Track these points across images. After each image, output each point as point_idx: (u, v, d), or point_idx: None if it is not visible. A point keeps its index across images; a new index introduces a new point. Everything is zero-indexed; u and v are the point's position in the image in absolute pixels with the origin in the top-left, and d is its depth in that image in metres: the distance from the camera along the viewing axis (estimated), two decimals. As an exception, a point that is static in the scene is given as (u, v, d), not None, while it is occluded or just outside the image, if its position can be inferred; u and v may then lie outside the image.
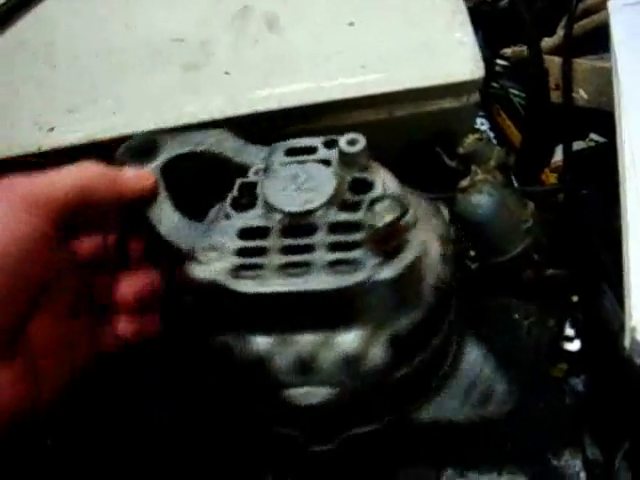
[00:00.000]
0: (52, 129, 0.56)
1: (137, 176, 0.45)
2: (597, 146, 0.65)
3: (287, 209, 0.42)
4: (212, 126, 0.55)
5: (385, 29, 0.60)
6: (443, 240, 0.47)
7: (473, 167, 0.54)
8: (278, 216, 0.42)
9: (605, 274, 0.51)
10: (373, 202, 0.42)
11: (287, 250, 0.41)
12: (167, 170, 0.48)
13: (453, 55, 0.58)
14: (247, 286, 0.40)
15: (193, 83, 0.57)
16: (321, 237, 0.41)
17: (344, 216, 0.43)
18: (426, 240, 0.44)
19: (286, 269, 0.41)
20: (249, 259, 0.41)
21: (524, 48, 0.74)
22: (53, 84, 0.59)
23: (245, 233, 0.42)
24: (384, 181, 0.44)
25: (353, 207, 0.43)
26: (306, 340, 0.42)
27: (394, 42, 0.59)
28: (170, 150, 0.49)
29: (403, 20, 0.60)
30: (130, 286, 0.46)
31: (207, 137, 0.50)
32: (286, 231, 0.42)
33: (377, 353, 0.42)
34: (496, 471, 0.50)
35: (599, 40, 0.66)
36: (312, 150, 0.46)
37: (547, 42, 0.71)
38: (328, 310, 0.41)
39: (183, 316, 0.47)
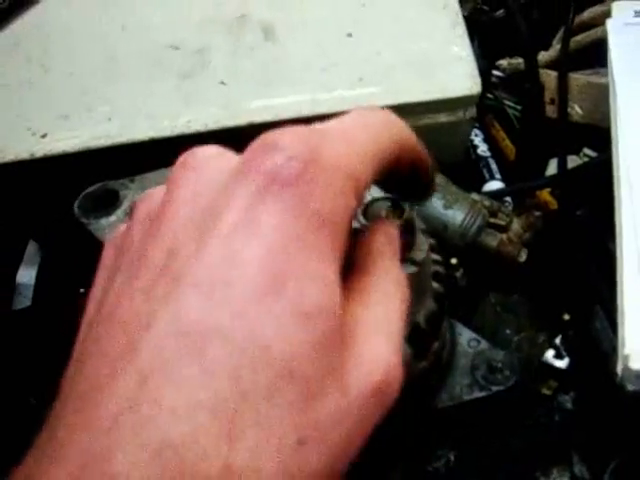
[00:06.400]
0: (45, 135, 0.55)
1: None
2: (591, 162, 0.65)
3: None
4: (207, 137, 0.55)
5: (383, 41, 0.60)
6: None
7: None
8: None
9: (598, 297, 0.52)
10: (366, 207, 0.43)
11: None
12: None
13: (451, 70, 0.58)
14: None
15: (189, 92, 0.57)
16: None
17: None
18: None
19: None
20: None
21: (520, 60, 0.73)
22: (47, 89, 0.58)
23: None
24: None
25: None
26: None
27: (392, 54, 0.59)
28: (134, 195, 0.48)
29: (401, 32, 0.60)
30: None
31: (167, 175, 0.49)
32: None
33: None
34: (484, 488, 0.51)
35: (595, 55, 0.66)
36: None
37: (543, 55, 0.71)
38: None
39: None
